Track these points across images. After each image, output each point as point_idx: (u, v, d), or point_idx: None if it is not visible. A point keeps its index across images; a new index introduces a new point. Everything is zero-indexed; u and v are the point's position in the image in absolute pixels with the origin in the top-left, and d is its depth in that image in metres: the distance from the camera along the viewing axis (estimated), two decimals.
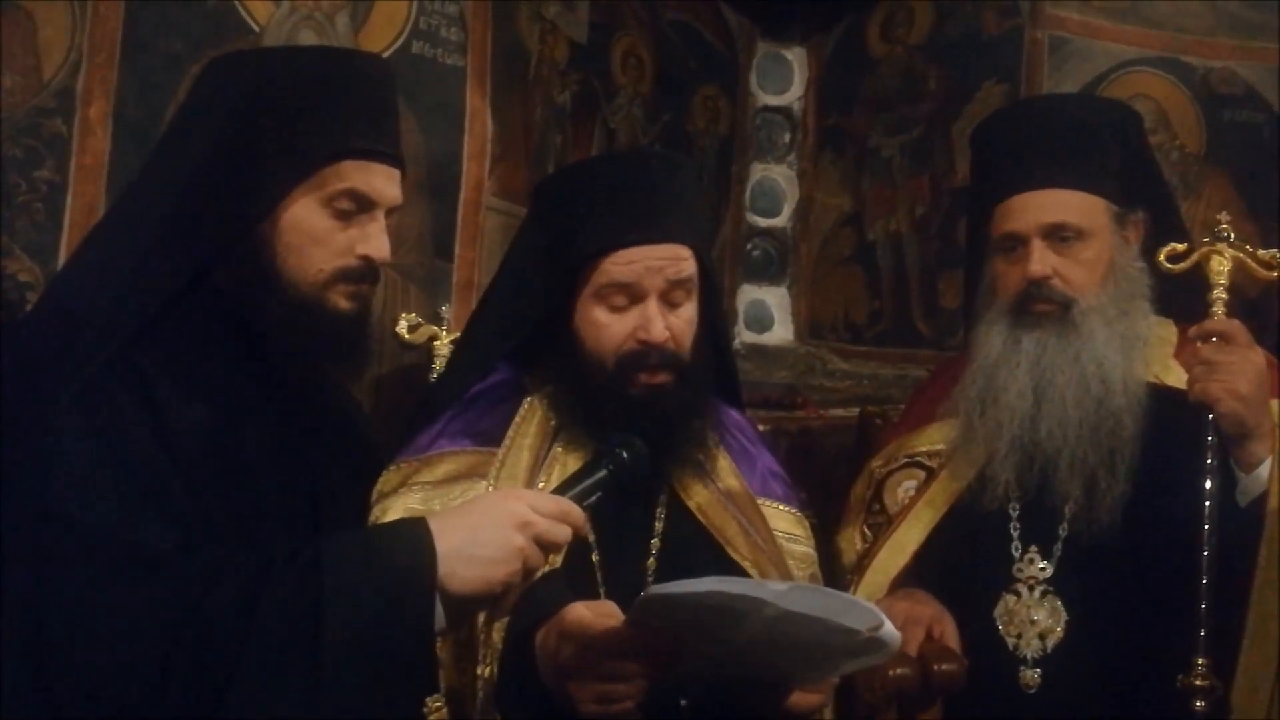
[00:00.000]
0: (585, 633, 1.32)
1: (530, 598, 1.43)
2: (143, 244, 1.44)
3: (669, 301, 1.61)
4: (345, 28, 2.34)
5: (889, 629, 1.27)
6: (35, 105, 1.95)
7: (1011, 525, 1.88)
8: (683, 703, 1.49)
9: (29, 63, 1.95)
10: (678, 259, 1.61)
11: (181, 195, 1.45)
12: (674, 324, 1.61)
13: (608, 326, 1.61)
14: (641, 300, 1.60)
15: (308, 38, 2.26)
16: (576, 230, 1.62)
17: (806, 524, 1.81)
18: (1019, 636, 1.83)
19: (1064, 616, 1.82)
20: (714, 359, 1.74)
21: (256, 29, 2.20)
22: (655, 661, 1.32)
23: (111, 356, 1.37)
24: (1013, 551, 1.87)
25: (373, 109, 1.50)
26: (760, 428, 1.99)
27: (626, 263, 1.59)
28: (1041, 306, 1.85)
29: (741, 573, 1.62)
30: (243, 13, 2.19)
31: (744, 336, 3.26)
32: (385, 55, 2.32)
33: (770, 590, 1.21)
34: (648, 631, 1.30)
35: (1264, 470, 1.74)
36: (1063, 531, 1.85)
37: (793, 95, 3.34)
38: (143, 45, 2.05)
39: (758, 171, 3.33)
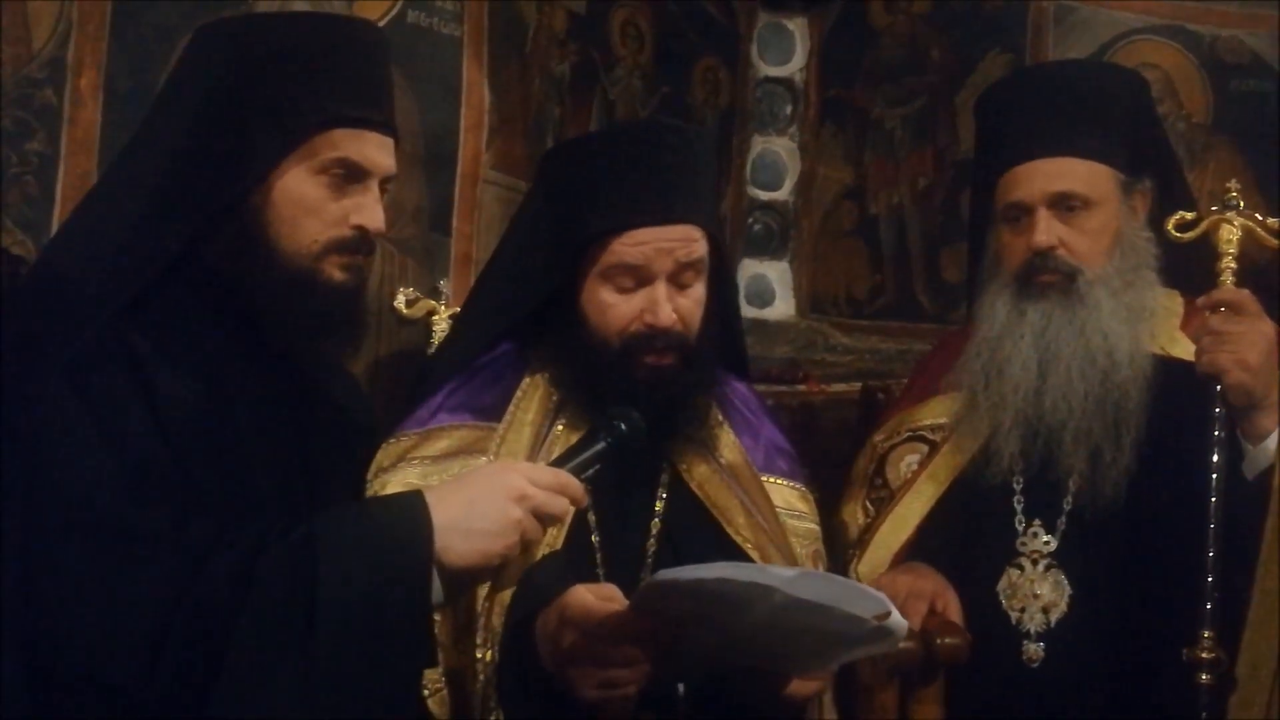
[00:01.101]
0: (588, 618, 1.31)
1: (530, 582, 1.42)
2: (132, 215, 1.42)
3: (678, 283, 1.58)
4: None
5: (896, 618, 1.26)
6: (25, 76, 1.92)
7: (1015, 499, 1.87)
8: (680, 689, 1.48)
9: (18, 33, 1.92)
10: (689, 240, 1.57)
11: (171, 165, 1.42)
12: (682, 305, 1.58)
13: (614, 307, 1.58)
14: (649, 282, 1.56)
15: (300, 7, 2.23)
16: (584, 208, 1.58)
17: (811, 499, 1.79)
18: (1022, 610, 1.82)
19: (1067, 590, 1.81)
20: (721, 332, 1.71)
21: None
22: (657, 648, 1.30)
23: (101, 331, 1.35)
24: (1016, 525, 1.86)
25: (365, 76, 1.47)
26: (767, 402, 1.96)
27: (635, 244, 1.55)
28: (1046, 277, 1.83)
29: (742, 554, 1.60)
30: None
31: (745, 311, 3.22)
32: (380, 24, 2.28)
33: (778, 577, 1.20)
34: (651, 618, 1.28)
35: (1271, 442, 1.73)
36: (1067, 505, 1.84)
37: (794, 66, 3.30)
38: (133, 15, 2.02)
39: (759, 144, 3.30)
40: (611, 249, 1.56)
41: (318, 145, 1.42)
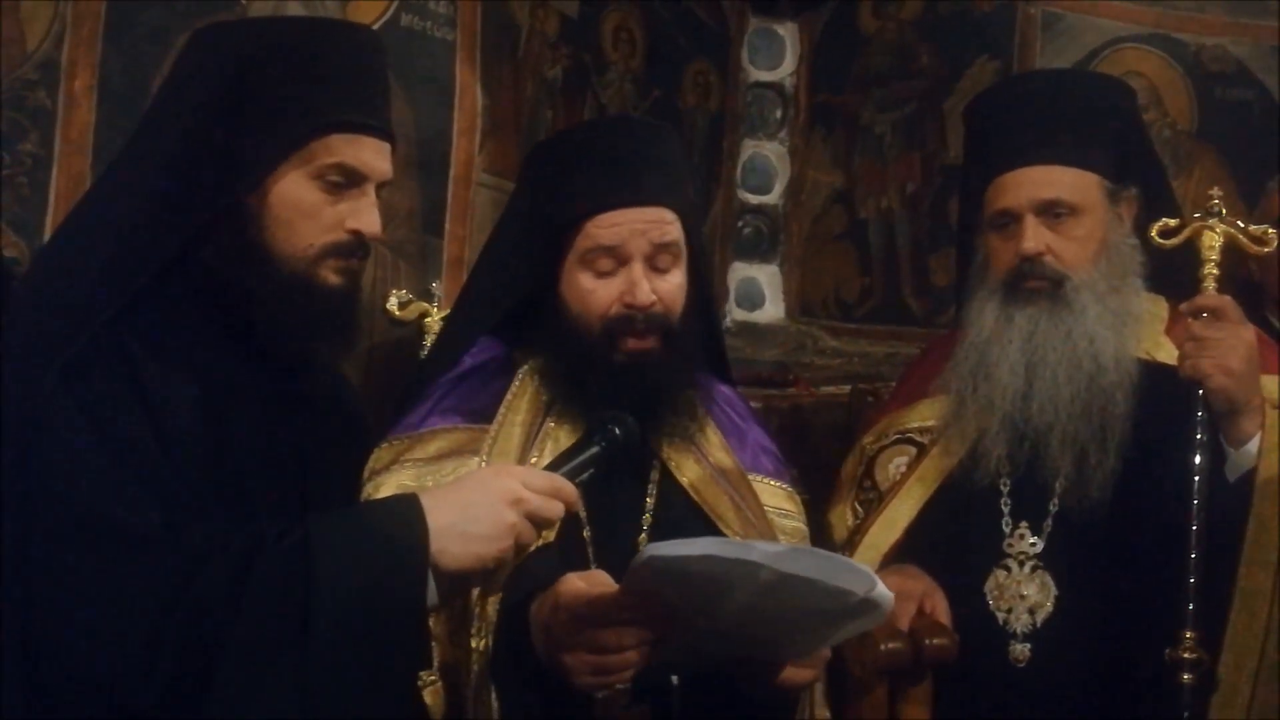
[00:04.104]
0: (580, 601, 1.32)
1: (524, 570, 1.43)
2: (128, 219, 1.43)
3: (655, 266, 1.60)
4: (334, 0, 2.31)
5: (881, 589, 1.28)
6: (19, 77, 1.92)
7: (1002, 501, 1.89)
8: (674, 680, 1.49)
9: (12, 34, 1.92)
10: (662, 221, 1.60)
11: (167, 169, 1.43)
12: (661, 288, 1.60)
13: (593, 292, 1.60)
14: (626, 264, 1.59)
15: (295, 10, 2.23)
16: (560, 196, 1.62)
17: (797, 499, 1.81)
18: (1009, 611, 1.84)
19: (1053, 591, 1.83)
20: (704, 334, 1.73)
21: (243, 0, 2.18)
22: (649, 629, 1.31)
23: (97, 334, 1.35)
24: (1003, 527, 1.88)
25: (363, 81, 1.48)
26: (752, 405, 1.98)
27: (610, 225, 1.58)
28: (1034, 283, 1.85)
29: None
30: None
31: (735, 314, 3.26)
32: (374, 28, 2.29)
33: (764, 553, 1.22)
34: (641, 599, 1.30)
35: (1252, 446, 1.75)
36: (1053, 507, 1.85)
37: (784, 71, 3.33)
38: (127, 16, 2.02)
39: (749, 148, 3.32)
40: (587, 232, 1.59)
41: (315, 150, 1.43)
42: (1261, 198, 2.78)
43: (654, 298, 1.59)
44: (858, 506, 2.02)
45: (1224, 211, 1.84)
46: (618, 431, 1.44)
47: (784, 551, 1.24)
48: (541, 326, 1.66)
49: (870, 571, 1.28)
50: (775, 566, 1.21)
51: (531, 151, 1.85)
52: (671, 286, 1.62)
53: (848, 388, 2.62)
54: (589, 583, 1.34)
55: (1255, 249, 1.84)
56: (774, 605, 1.27)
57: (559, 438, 1.60)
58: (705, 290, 1.76)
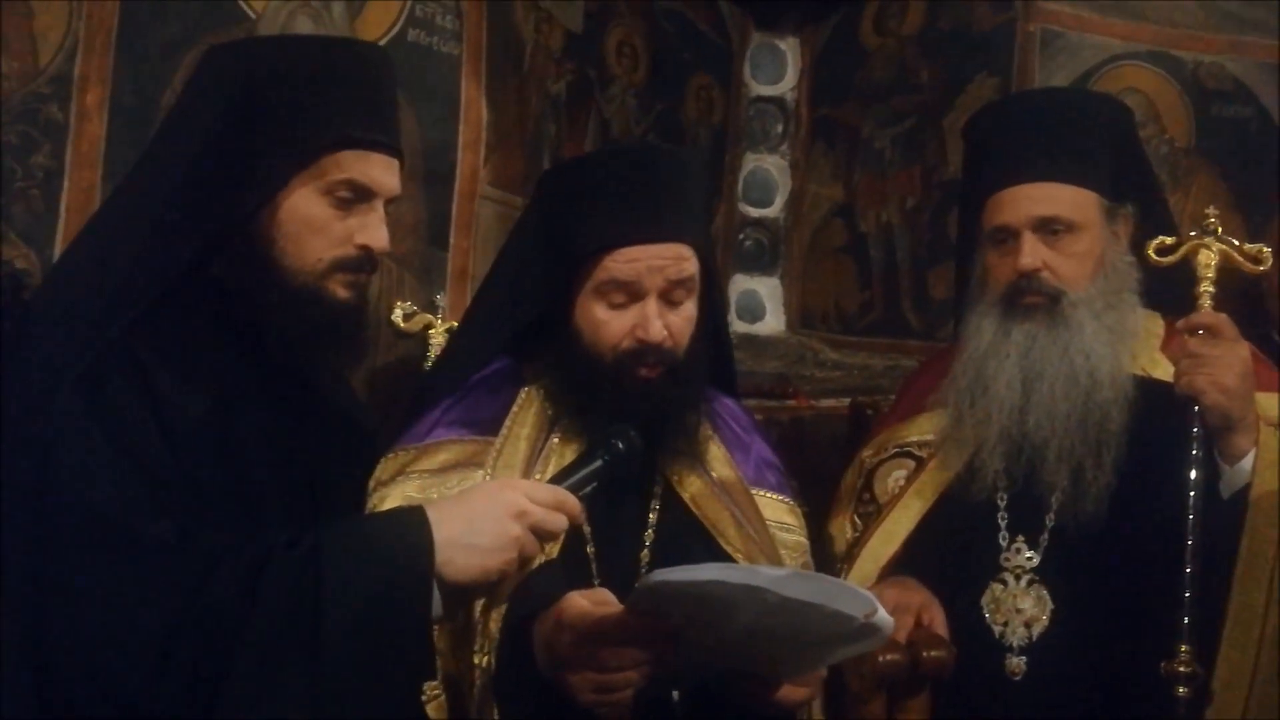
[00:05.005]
0: (583, 621, 1.33)
1: (527, 588, 1.45)
2: (141, 233, 1.45)
3: (669, 300, 1.62)
4: (341, 15, 2.34)
5: (883, 615, 1.29)
6: (31, 91, 1.94)
7: (999, 515, 1.90)
8: (675, 696, 1.51)
9: (25, 48, 1.95)
10: (679, 259, 1.61)
11: (180, 184, 1.46)
12: (673, 322, 1.62)
13: (606, 324, 1.61)
14: (641, 299, 1.60)
15: (304, 25, 2.26)
16: (578, 225, 1.62)
17: (799, 512, 1.82)
18: (1005, 625, 1.85)
19: (1049, 605, 1.85)
20: (711, 348, 1.75)
21: (253, 16, 2.20)
22: (652, 650, 1.33)
23: (110, 346, 1.38)
24: (1000, 541, 1.90)
25: (372, 99, 1.51)
26: (755, 417, 2.00)
27: (627, 261, 1.59)
28: (1031, 299, 1.87)
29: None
30: None
31: (735, 326, 3.28)
32: (381, 43, 2.32)
33: (768, 577, 1.23)
34: (645, 620, 1.31)
35: (1247, 463, 1.76)
36: (1049, 521, 1.87)
37: (786, 86, 3.35)
38: (139, 31, 2.04)
39: (750, 162, 3.34)
40: (604, 265, 1.60)
41: (325, 166, 1.46)
42: None
43: (665, 334, 1.60)
44: (857, 519, 2.04)
45: (1220, 230, 1.87)
46: (620, 446, 1.46)
47: (788, 576, 1.26)
48: (551, 346, 1.67)
49: (872, 597, 1.29)
50: (779, 591, 1.22)
51: (547, 174, 1.86)
52: (682, 320, 1.63)
53: (847, 400, 2.63)
54: (592, 602, 1.35)
55: (1250, 267, 1.86)
56: (776, 626, 1.29)
57: (564, 454, 1.62)
58: (717, 310, 1.77)
